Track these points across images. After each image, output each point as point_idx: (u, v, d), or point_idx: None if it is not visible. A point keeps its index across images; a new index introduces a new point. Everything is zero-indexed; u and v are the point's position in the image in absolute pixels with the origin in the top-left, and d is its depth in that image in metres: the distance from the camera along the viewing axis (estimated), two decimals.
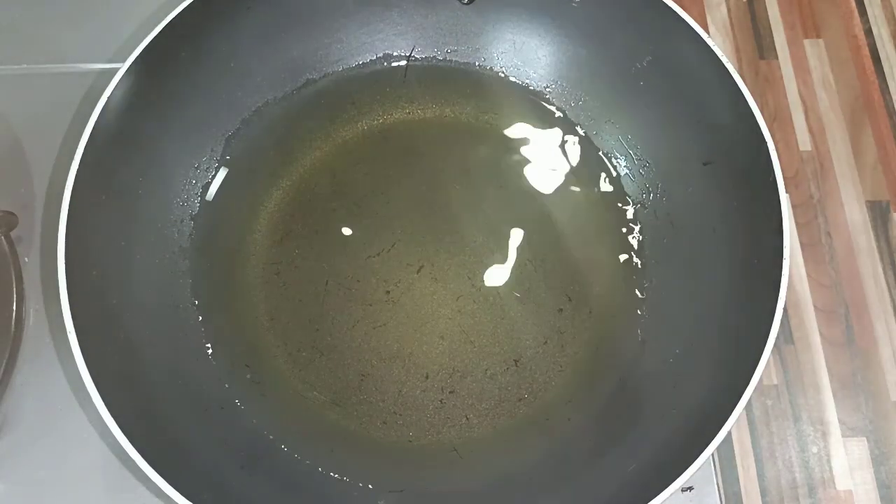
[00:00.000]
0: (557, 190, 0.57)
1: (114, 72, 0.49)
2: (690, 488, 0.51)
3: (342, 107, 0.59)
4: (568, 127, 0.59)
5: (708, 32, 0.56)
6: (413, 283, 0.54)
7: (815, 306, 0.58)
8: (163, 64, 0.51)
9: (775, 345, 0.44)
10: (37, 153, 0.58)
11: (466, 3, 0.58)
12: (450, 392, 0.52)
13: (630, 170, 0.57)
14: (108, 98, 0.48)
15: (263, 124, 0.58)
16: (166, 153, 0.53)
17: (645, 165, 0.57)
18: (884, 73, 0.66)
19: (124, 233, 0.51)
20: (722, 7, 0.68)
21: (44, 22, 0.63)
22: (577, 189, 0.57)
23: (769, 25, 0.67)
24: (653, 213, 0.56)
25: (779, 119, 0.64)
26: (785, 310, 0.49)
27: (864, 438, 0.55)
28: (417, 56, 0.60)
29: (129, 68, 0.49)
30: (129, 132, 0.50)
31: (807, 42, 0.67)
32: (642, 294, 0.54)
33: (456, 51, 0.60)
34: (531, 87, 0.60)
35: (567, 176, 0.58)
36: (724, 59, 0.49)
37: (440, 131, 0.59)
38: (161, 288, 0.52)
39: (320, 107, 0.59)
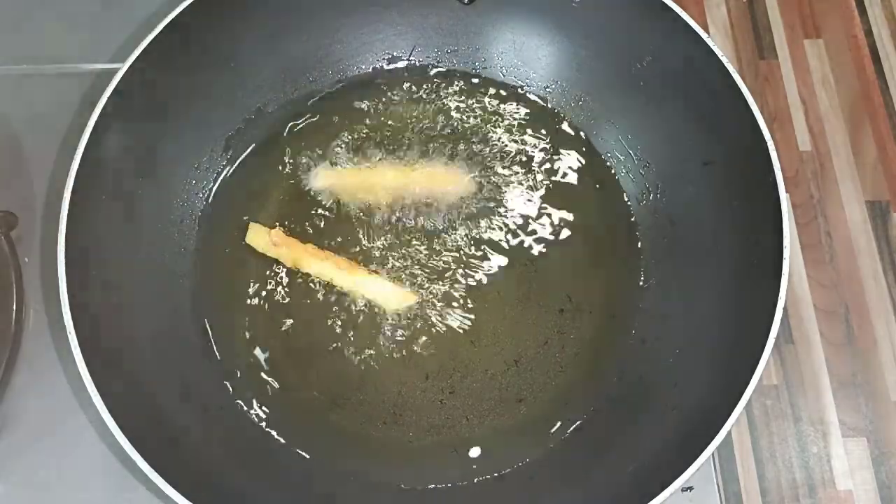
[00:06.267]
0: (557, 190, 0.57)
1: (114, 72, 0.49)
2: (690, 488, 0.51)
3: (342, 107, 0.59)
4: (568, 127, 0.59)
5: (708, 32, 0.56)
6: (413, 282, 0.54)
7: (815, 306, 0.58)
8: (163, 64, 0.51)
9: (775, 345, 0.44)
10: (37, 153, 0.58)
11: (466, 3, 0.58)
12: (450, 392, 0.52)
13: (630, 170, 0.57)
14: (108, 98, 0.48)
15: (264, 124, 0.58)
16: (166, 153, 0.54)
17: (645, 165, 0.57)
18: (884, 73, 0.65)
19: (124, 233, 0.51)
20: (722, 7, 0.68)
21: (44, 22, 0.63)
22: (577, 189, 0.57)
23: (769, 25, 0.67)
24: (653, 213, 0.56)
25: (779, 119, 0.64)
26: (785, 310, 0.49)
27: (864, 438, 0.55)
28: (417, 56, 0.60)
29: (128, 68, 0.49)
30: (129, 132, 0.50)
31: (807, 42, 0.67)
32: (642, 294, 0.54)
33: (456, 51, 0.60)
34: (531, 88, 0.60)
35: (567, 176, 0.58)
36: (724, 60, 0.49)
37: (441, 132, 0.59)
38: (161, 288, 0.52)
39: (320, 107, 0.59)
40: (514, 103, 0.60)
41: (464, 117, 0.59)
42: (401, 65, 0.61)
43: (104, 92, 0.48)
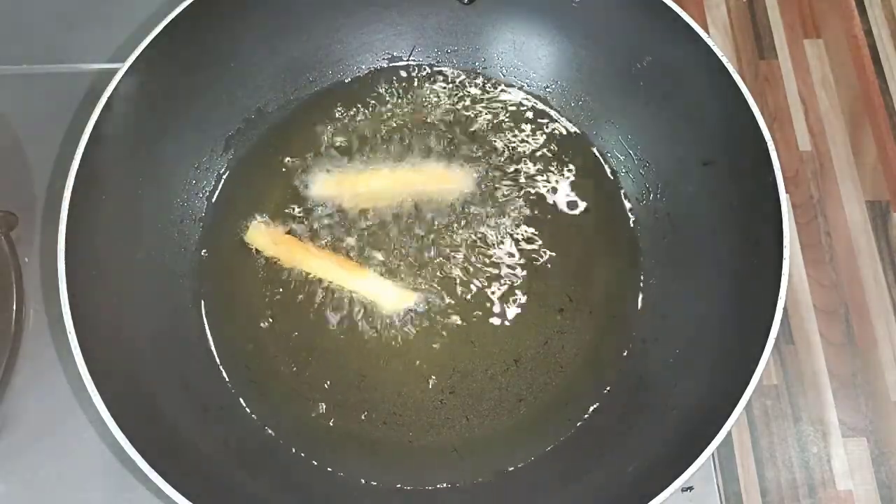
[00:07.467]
0: (557, 190, 0.57)
1: (114, 72, 0.49)
2: (690, 488, 0.51)
3: (342, 107, 0.59)
4: (568, 127, 0.59)
5: (708, 32, 0.56)
6: (413, 282, 0.54)
7: (815, 306, 0.58)
8: (163, 64, 0.51)
9: (775, 345, 0.44)
10: (37, 153, 0.58)
11: (466, 3, 0.58)
12: (450, 392, 0.52)
13: (630, 170, 0.57)
14: (108, 98, 0.48)
15: (264, 124, 0.58)
16: (166, 153, 0.54)
17: (645, 165, 0.57)
18: (884, 73, 0.65)
19: (124, 233, 0.51)
20: (722, 7, 0.68)
21: (44, 22, 0.63)
22: (577, 189, 0.57)
23: (769, 25, 0.67)
24: (653, 213, 0.56)
25: (779, 119, 0.64)
26: (785, 310, 0.49)
27: (864, 438, 0.55)
28: (417, 56, 0.60)
29: (128, 68, 0.49)
30: (129, 132, 0.50)
31: (807, 42, 0.67)
32: (642, 294, 0.54)
33: (456, 51, 0.60)
34: (531, 88, 0.60)
35: (567, 176, 0.58)
36: (724, 59, 0.49)
37: (441, 132, 0.59)
38: (161, 288, 0.52)
39: (320, 107, 0.59)
40: (514, 103, 0.60)
41: (464, 117, 0.59)
42: (401, 65, 0.61)
43: (104, 92, 0.48)
